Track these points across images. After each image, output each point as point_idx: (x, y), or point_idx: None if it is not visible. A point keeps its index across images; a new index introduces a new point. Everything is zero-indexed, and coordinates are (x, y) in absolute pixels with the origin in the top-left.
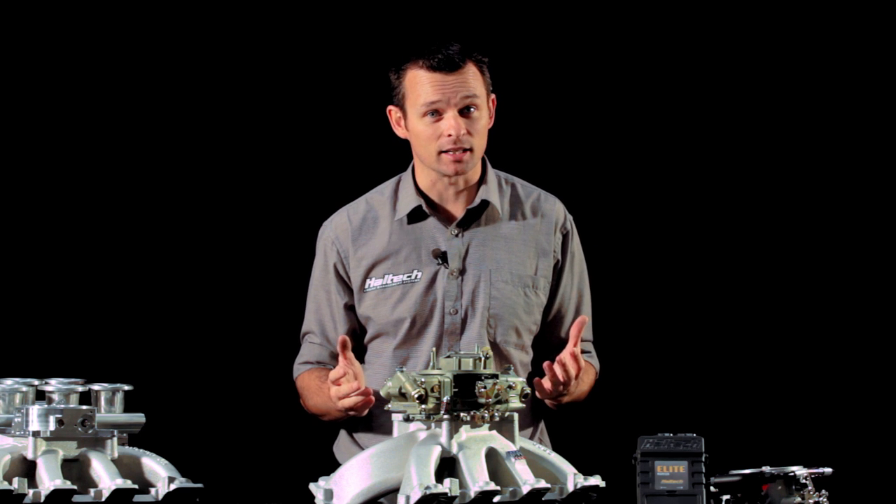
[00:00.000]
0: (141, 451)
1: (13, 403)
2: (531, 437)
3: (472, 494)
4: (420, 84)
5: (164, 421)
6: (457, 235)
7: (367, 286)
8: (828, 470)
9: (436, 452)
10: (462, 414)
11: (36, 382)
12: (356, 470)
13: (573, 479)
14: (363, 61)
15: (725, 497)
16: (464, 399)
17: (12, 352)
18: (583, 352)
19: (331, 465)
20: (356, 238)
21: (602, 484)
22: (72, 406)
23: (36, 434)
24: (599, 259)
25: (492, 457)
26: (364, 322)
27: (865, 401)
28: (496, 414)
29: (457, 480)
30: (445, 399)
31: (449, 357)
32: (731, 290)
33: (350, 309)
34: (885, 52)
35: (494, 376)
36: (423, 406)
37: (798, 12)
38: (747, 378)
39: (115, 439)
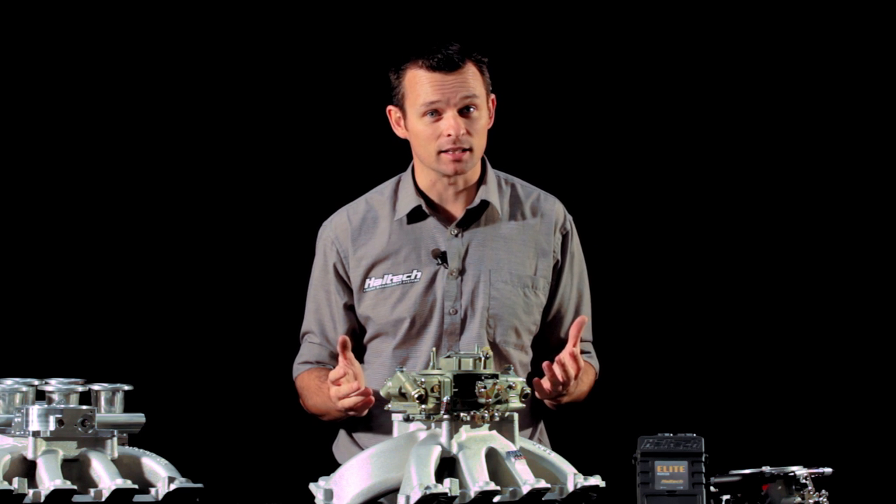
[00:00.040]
0: (141, 451)
1: (13, 403)
2: (531, 438)
3: (472, 494)
4: (419, 84)
5: (164, 421)
6: (456, 235)
7: (366, 286)
8: (828, 470)
9: (436, 452)
10: (462, 414)
11: (36, 382)
12: (356, 470)
13: (573, 479)
14: (363, 61)
15: (725, 497)
16: (464, 399)
17: (12, 352)
18: (582, 352)
19: (331, 465)
20: (356, 238)
21: (602, 484)
22: (72, 406)
23: (36, 434)
24: (599, 259)
25: (492, 457)
26: (363, 322)
27: (865, 401)
28: (496, 414)
29: (457, 480)
30: (445, 399)
31: (449, 357)
32: (730, 290)
33: (350, 309)
34: (885, 52)
35: (494, 376)
36: (423, 406)
37: (798, 12)
38: (747, 378)
39: (115, 439)
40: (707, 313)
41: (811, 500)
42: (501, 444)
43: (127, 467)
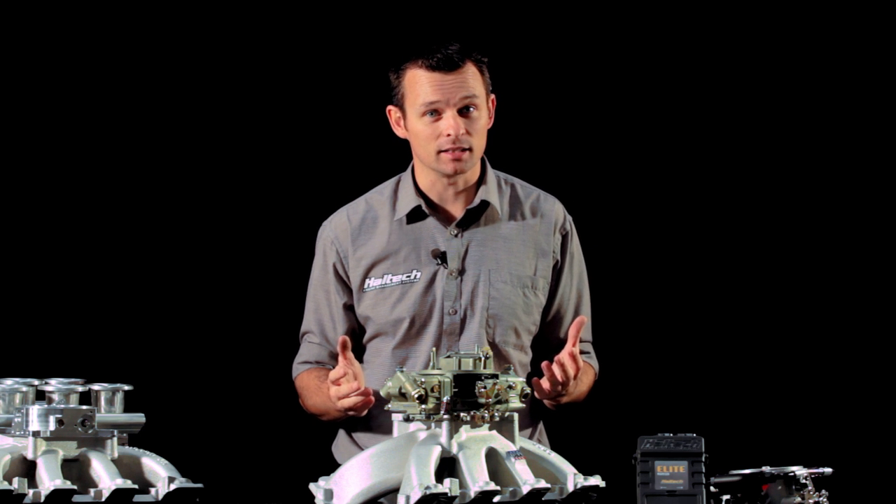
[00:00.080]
0: (141, 451)
1: (13, 403)
2: (530, 438)
3: (472, 494)
4: (419, 84)
5: (164, 421)
6: (456, 235)
7: (366, 286)
8: (828, 470)
9: (436, 452)
10: (462, 414)
11: (36, 382)
12: (356, 470)
13: (573, 479)
14: (363, 61)
15: (725, 497)
16: (464, 399)
17: (12, 352)
18: (582, 352)
19: (330, 465)
20: (355, 238)
21: (602, 484)
22: (72, 406)
23: (36, 434)
24: (599, 259)
25: (492, 457)
26: (363, 322)
27: (865, 401)
28: (496, 414)
29: (457, 480)
30: (445, 399)
31: (449, 357)
32: (730, 291)
33: (349, 309)
34: (885, 52)
35: (494, 376)
36: (423, 406)
37: (798, 12)
38: (747, 378)
39: (115, 439)
40: (707, 313)
41: (811, 500)
42: (501, 444)
43: (127, 467)
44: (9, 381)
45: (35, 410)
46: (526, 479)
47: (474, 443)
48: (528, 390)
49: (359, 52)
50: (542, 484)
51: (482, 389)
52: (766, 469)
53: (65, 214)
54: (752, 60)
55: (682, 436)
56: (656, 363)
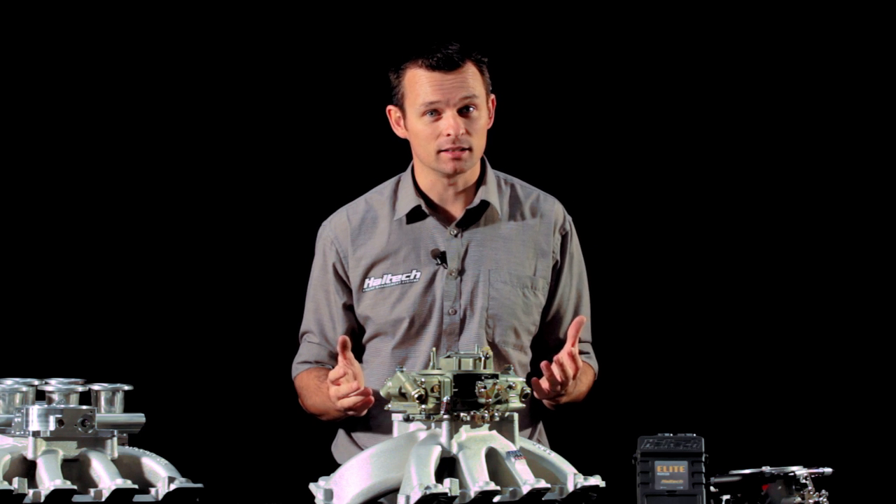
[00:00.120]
0: (141, 451)
1: (13, 403)
2: (530, 438)
3: (472, 494)
4: (419, 83)
5: (164, 421)
6: (456, 235)
7: (365, 286)
8: (828, 470)
9: (436, 452)
10: (462, 414)
11: (36, 382)
12: (356, 470)
13: (573, 479)
14: (363, 61)
15: (725, 497)
16: (464, 399)
17: (12, 352)
18: (581, 352)
19: (330, 465)
20: (355, 238)
21: (602, 484)
22: (72, 406)
23: (36, 434)
24: (599, 260)
25: (492, 457)
26: (363, 322)
27: (865, 401)
28: (496, 414)
29: (457, 480)
30: (445, 399)
31: (449, 357)
32: (730, 291)
33: (349, 309)
34: (885, 52)
35: (494, 376)
36: (423, 406)
37: (798, 12)
38: (747, 378)
39: (115, 439)
40: (707, 313)
41: (811, 500)
42: (501, 444)
43: (127, 467)
44: (9, 381)
45: (35, 410)
46: (526, 479)
47: (474, 443)
48: (528, 390)
49: (359, 52)
50: (542, 484)
51: (482, 389)
52: (766, 469)
53: (65, 214)
54: (752, 60)
55: (682, 436)
56: (656, 363)
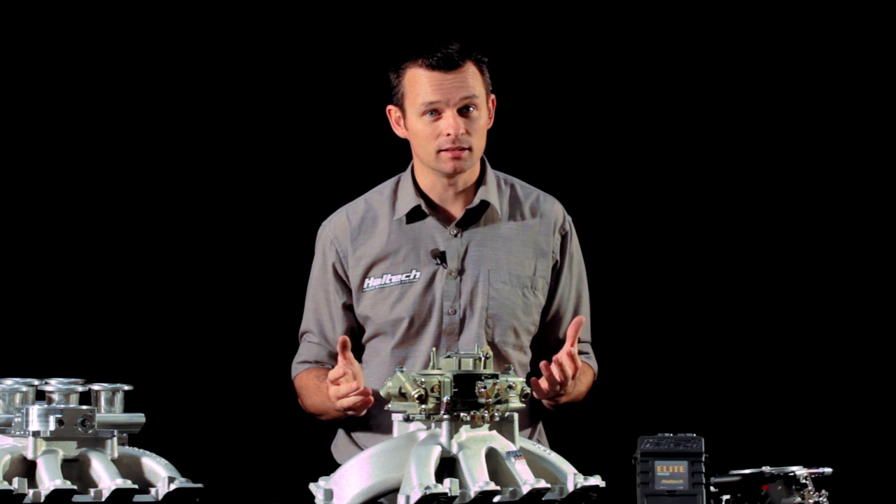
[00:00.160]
0: (141, 451)
1: (13, 403)
2: (529, 438)
3: (472, 494)
4: (419, 83)
5: (164, 421)
6: (456, 235)
7: (365, 286)
8: (828, 470)
9: (436, 452)
10: (462, 414)
11: (36, 382)
12: (356, 470)
13: (573, 479)
14: (363, 61)
15: (725, 497)
16: (464, 399)
17: (12, 352)
18: (580, 352)
19: (330, 465)
20: (355, 238)
21: (602, 484)
22: (72, 406)
23: (36, 434)
24: (599, 260)
25: (492, 457)
26: (362, 322)
27: (865, 401)
28: (496, 414)
29: (457, 480)
30: (445, 399)
31: (449, 357)
32: (730, 291)
33: (348, 309)
34: (885, 52)
35: (494, 376)
36: (423, 406)
37: (798, 12)
38: (747, 378)
39: (115, 439)
40: (706, 313)
41: (811, 500)
42: (501, 444)
43: (127, 467)
44: (9, 381)
45: (35, 410)
46: (526, 479)
47: (474, 443)
48: (527, 390)
49: (359, 52)
50: (542, 484)
51: (482, 389)
52: (766, 469)
53: (65, 214)
54: (752, 60)
55: (682, 436)
56: (656, 363)
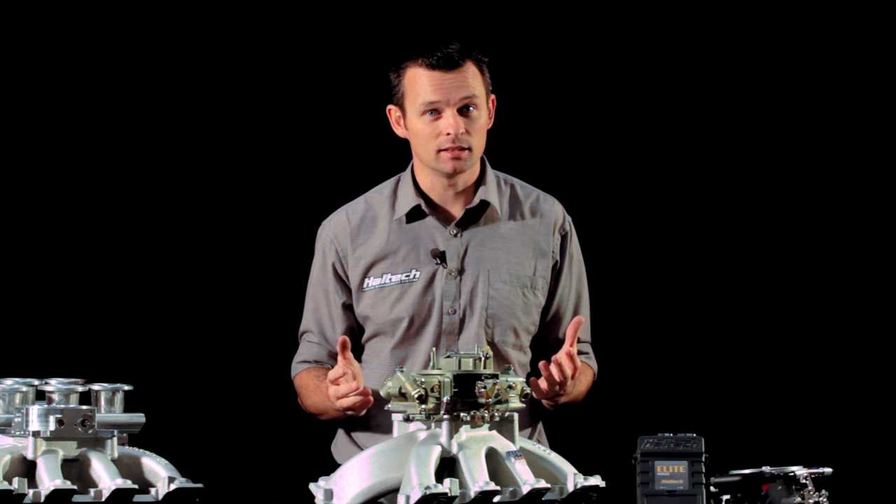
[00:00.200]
0: (141, 451)
1: (13, 403)
2: (529, 438)
3: (472, 494)
4: (419, 82)
5: (164, 421)
6: (455, 235)
7: (365, 285)
8: (828, 470)
9: (436, 452)
10: (462, 414)
11: (36, 382)
12: (356, 470)
13: (573, 479)
14: (363, 61)
15: (725, 497)
16: (464, 399)
17: (12, 352)
18: (580, 352)
19: (330, 465)
20: (355, 237)
21: (602, 484)
22: (72, 406)
23: (36, 434)
24: (599, 259)
25: (492, 457)
26: (362, 321)
27: (865, 401)
28: (496, 414)
29: (457, 480)
30: (445, 399)
31: (449, 357)
32: (730, 291)
33: (348, 308)
34: (885, 52)
35: (494, 376)
36: (423, 406)
37: (798, 12)
38: (747, 378)
39: (115, 439)
40: (706, 313)
41: (811, 500)
42: (501, 444)
43: (127, 467)
44: (9, 381)
45: (35, 410)
46: (526, 479)
47: (474, 443)
48: (527, 390)
49: (359, 52)
50: (542, 484)
51: (482, 389)
52: (766, 469)
53: (65, 214)
54: (752, 60)
55: (682, 436)
56: (656, 363)
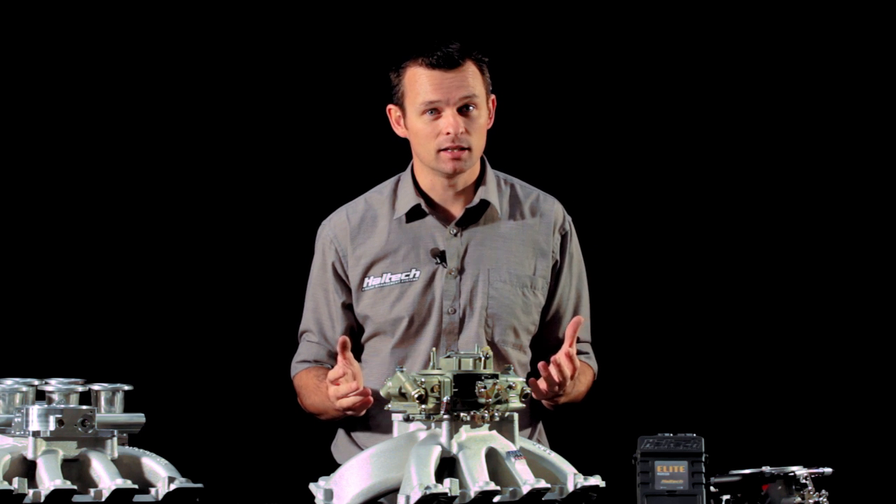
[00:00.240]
0: (141, 451)
1: (13, 403)
2: (529, 438)
3: (472, 494)
4: (419, 82)
5: (164, 421)
6: (455, 235)
7: (365, 285)
8: (828, 470)
9: (436, 452)
10: (462, 414)
11: (36, 382)
12: (356, 470)
13: (573, 479)
14: (363, 61)
15: (725, 497)
16: (464, 399)
17: (12, 352)
18: (580, 352)
19: (330, 465)
20: (354, 237)
21: (602, 484)
22: (72, 406)
23: (36, 434)
24: (599, 259)
25: (492, 457)
26: (362, 321)
27: (865, 401)
28: (496, 414)
29: (457, 480)
30: (445, 399)
31: (449, 357)
32: (730, 291)
33: (348, 308)
34: (885, 52)
35: (494, 376)
36: (423, 406)
37: (798, 12)
38: (747, 378)
39: (115, 439)
40: (706, 313)
41: (811, 500)
42: (501, 444)
43: (127, 467)
44: (9, 381)
45: (35, 410)
46: (526, 479)
47: (474, 443)
48: (527, 390)
49: (359, 51)
50: (542, 484)
51: (482, 389)
52: (766, 469)
53: (65, 214)
54: (752, 60)
55: (682, 436)
56: (656, 363)
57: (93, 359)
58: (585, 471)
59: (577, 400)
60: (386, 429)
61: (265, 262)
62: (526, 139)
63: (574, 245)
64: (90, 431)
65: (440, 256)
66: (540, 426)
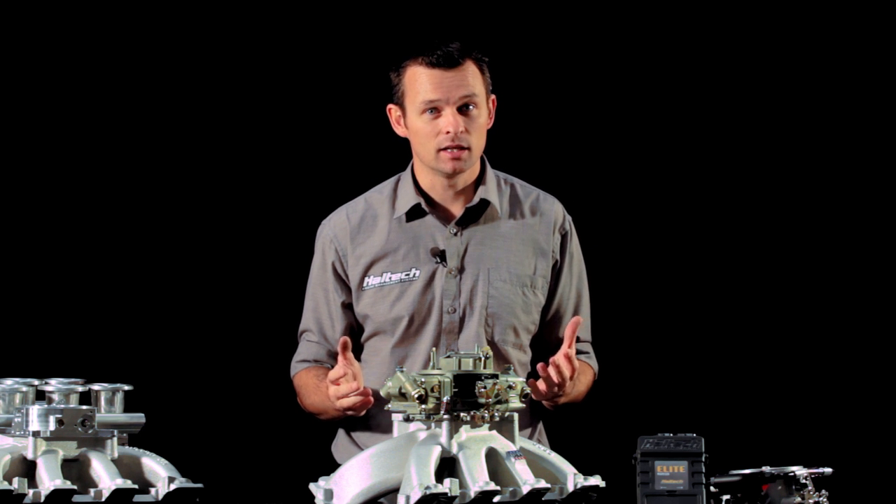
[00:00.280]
0: (141, 451)
1: (13, 403)
2: (530, 438)
3: (472, 494)
4: (419, 81)
5: (164, 421)
6: (455, 234)
7: (365, 284)
8: (828, 470)
9: (436, 452)
10: (462, 414)
11: (36, 382)
12: (356, 470)
13: (573, 479)
14: (363, 61)
15: (725, 497)
16: (464, 399)
17: (12, 352)
18: (580, 352)
19: (330, 465)
20: (354, 236)
21: (602, 484)
22: (72, 406)
23: (36, 434)
24: (599, 259)
25: (492, 457)
26: (362, 321)
27: (865, 401)
28: (496, 414)
29: (457, 480)
30: (445, 399)
31: (449, 357)
32: (730, 291)
33: (348, 307)
34: (885, 52)
35: (494, 376)
36: (423, 406)
37: (798, 12)
38: (747, 378)
39: (115, 439)
40: (706, 313)
41: (811, 500)
42: (501, 444)
43: (127, 467)
44: (9, 381)
45: (35, 410)
46: (526, 479)
47: (474, 443)
48: (527, 390)
49: (359, 51)
50: (542, 484)
51: (482, 389)
52: (766, 469)
53: (64, 214)
54: (752, 60)
55: (682, 436)
56: (656, 363)
57: (93, 359)
58: (585, 471)
59: (577, 400)
60: (386, 429)
61: (265, 261)
62: (526, 139)
63: (574, 245)
64: (90, 431)
65: (440, 256)
66: (540, 426)
